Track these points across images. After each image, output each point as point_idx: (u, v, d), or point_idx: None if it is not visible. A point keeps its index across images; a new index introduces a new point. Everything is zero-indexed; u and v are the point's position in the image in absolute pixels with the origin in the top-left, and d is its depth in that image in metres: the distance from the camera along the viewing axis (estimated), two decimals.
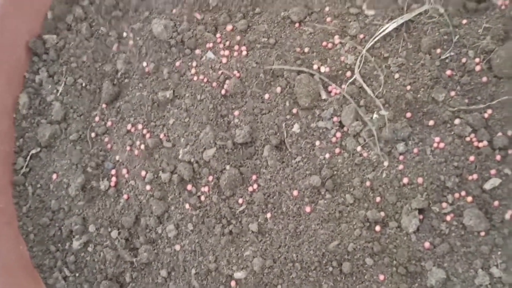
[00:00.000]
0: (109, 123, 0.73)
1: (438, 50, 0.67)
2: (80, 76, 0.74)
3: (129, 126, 0.71)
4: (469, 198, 0.62)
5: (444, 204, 0.62)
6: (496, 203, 0.62)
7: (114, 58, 0.75)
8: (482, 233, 0.61)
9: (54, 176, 0.70)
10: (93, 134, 0.72)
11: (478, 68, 0.66)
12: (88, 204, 0.69)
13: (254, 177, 0.67)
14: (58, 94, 0.74)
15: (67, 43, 0.75)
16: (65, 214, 0.69)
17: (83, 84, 0.74)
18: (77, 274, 0.67)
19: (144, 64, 0.73)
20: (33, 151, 0.72)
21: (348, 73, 0.70)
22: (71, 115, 0.73)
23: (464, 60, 0.66)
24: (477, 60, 0.66)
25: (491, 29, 0.66)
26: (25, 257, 0.66)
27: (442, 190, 0.63)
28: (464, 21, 0.68)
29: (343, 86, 0.69)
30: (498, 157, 0.63)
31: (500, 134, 0.64)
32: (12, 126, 0.73)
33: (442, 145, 0.64)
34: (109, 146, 0.72)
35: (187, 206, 0.67)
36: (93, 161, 0.70)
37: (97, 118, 0.73)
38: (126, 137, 0.71)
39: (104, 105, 0.73)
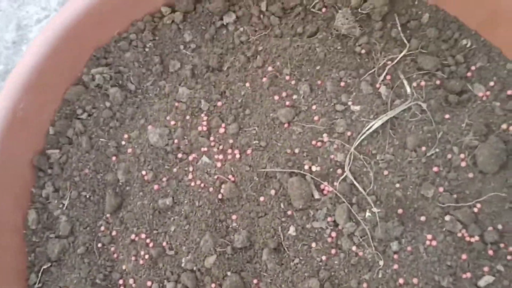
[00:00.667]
0: (114, 233, 0.76)
1: (424, 148, 0.69)
2: (83, 189, 0.78)
3: (133, 236, 0.75)
4: None
5: None
6: None
7: (115, 167, 0.78)
8: None
9: None
10: (99, 245, 0.75)
11: (463, 164, 0.68)
12: None
13: (255, 281, 0.70)
14: (64, 208, 0.77)
15: (69, 157, 0.79)
16: None
17: (87, 196, 0.77)
18: None
19: (143, 172, 0.77)
20: (44, 266, 0.75)
21: (339, 171, 0.72)
22: (77, 228, 0.76)
23: (449, 156, 0.68)
24: (462, 156, 0.68)
25: (473, 124, 0.69)
26: None
27: None
28: (447, 116, 0.70)
29: (335, 183, 0.72)
30: (490, 252, 0.65)
31: (490, 228, 0.65)
32: (23, 242, 0.76)
33: (434, 243, 0.66)
34: (115, 255, 0.75)
35: None
36: (101, 273, 0.73)
37: (102, 228, 0.76)
38: (131, 246, 0.74)
39: (108, 215, 0.77)
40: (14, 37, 1.29)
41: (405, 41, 0.76)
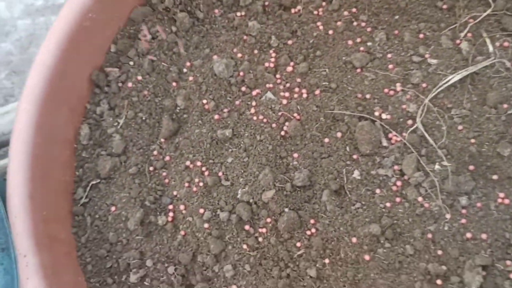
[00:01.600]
0: (167, 158, 0.73)
1: (505, 105, 0.67)
2: (140, 110, 0.75)
3: (187, 163, 0.72)
4: None
5: (508, 262, 0.62)
6: None
7: (175, 93, 0.76)
8: None
9: (113, 208, 0.71)
10: (151, 168, 0.73)
11: None
12: (146, 239, 0.69)
13: (312, 221, 0.67)
14: (119, 127, 0.75)
15: (129, 77, 0.76)
16: (123, 247, 0.69)
17: (143, 118, 0.75)
18: None
19: (204, 101, 0.74)
20: (93, 182, 0.72)
21: (410, 121, 0.70)
22: (130, 149, 0.74)
23: None
24: None
25: None
26: None
27: (507, 247, 0.62)
28: None
29: (404, 134, 0.69)
30: None
31: None
32: (73, 156, 0.74)
33: (507, 201, 0.64)
34: (166, 181, 0.72)
35: (245, 246, 0.67)
36: (151, 195, 0.71)
37: (155, 152, 0.74)
38: (185, 173, 0.72)
39: (163, 140, 0.74)
40: None
41: (490, 0, 0.73)
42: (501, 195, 0.64)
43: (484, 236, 0.63)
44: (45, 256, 0.63)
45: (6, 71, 1.15)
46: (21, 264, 0.61)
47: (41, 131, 0.69)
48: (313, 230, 0.67)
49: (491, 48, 0.71)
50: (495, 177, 0.65)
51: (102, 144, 0.75)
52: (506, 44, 0.71)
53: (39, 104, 0.71)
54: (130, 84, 0.76)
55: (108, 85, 0.77)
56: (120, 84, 0.76)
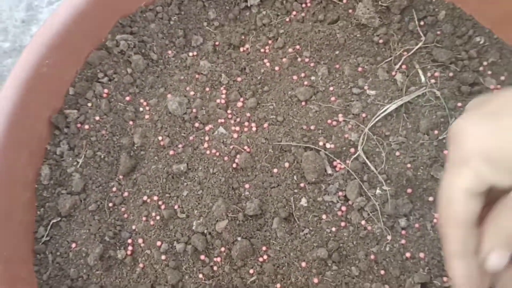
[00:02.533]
0: (125, 194, 0.77)
1: (436, 131, 0.73)
2: (99, 149, 0.79)
3: (145, 197, 0.75)
4: None
5: (445, 278, 0.66)
6: None
7: (132, 131, 0.80)
8: None
9: (74, 245, 0.74)
10: (110, 204, 0.76)
11: None
12: (106, 273, 0.72)
13: (264, 248, 0.71)
14: (78, 166, 0.78)
15: (87, 118, 0.80)
16: (84, 283, 0.72)
17: (102, 156, 0.78)
18: None
19: (160, 138, 0.78)
20: (54, 221, 0.75)
21: (352, 149, 0.75)
22: (90, 186, 0.77)
23: None
24: None
25: None
26: None
27: (443, 265, 0.67)
28: (459, 104, 0.74)
29: (347, 161, 0.74)
30: None
31: None
32: (34, 196, 0.76)
33: None
34: (125, 216, 0.76)
35: (200, 275, 0.71)
36: (110, 231, 0.74)
37: (114, 189, 0.77)
38: (142, 207, 0.75)
39: (121, 176, 0.77)
40: (24, 17, 1.30)
41: (422, 34, 0.79)
42: (436, 215, 0.69)
43: (422, 255, 0.67)
44: None
45: None
46: None
47: (2, 174, 0.72)
48: (265, 257, 0.71)
49: (423, 79, 0.77)
50: (430, 198, 0.70)
51: (63, 183, 0.77)
52: (436, 74, 0.77)
53: (0, 144, 0.73)
54: (88, 125, 0.79)
55: (67, 126, 0.80)
56: (79, 125, 0.80)
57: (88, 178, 0.78)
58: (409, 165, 0.72)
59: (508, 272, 0.44)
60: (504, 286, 0.45)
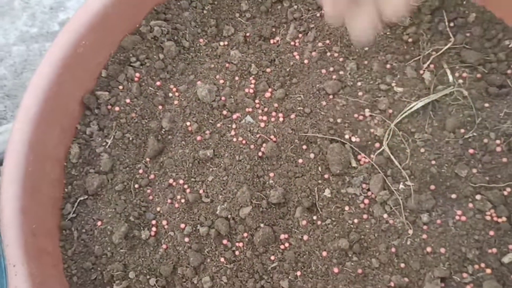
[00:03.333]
0: (152, 176, 0.78)
1: (462, 130, 0.73)
2: (128, 131, 0.80)
3: (171, 181, 0.77)
4: (488, 270, 0.67)
5: (464, 274, 0.67)
6: None
7: (160, 115, 0.81)
8: None
9: (99, 223, 0.75)
10: (136, 186, 0.78)
11: (498, 149, 0.72)
12: (130, 252, 0.74)
13: (286, 236, 0.72)
14: (107, 146, 0.79)
15: (118, 100, 0.82)
16: (107, 260, 0.73)
17: (130, 138, 0.80)
18: None
19: (188, 123, 0.80)
20: (81, 198, 0.77)
21: (377, 144, 0.76)
22: (117, 167, 0.79)
23: (485, 140, 0.72)
24: (498, 141, 0.72)
25: (511, 114, 0.73)
26: None
27: (463, 261, 0.68)
28: (487, 105, 0.75)
29: (372, 156, 0.75)
30: None
31: None
32: (63, 173, 0.78)
33: (464, 218, 0.69)
34: (150, 197, 0.77)
35: (222, 259, 0.72)
36: (135, 211, 0.76)
37: (141, 171, 0.79)
38: (168, 190, 0.77)
39: (148, 159, 0.79)
40: (52, 3, 1.33)
41: (451, 35, 0.80)
42: (459, 212, 0.70)
43: (443, 250, 0.68)
44: (33, 267, 0.67)
45: (0, 95, 1.20)
46: (10, 273, 0.65)
47: (34, 149, 0.74)
48: (287, 245, 0.72)
49: (451, 78, 0.77)
50: (453, 196, 0.71)
51: (91, 162, 0.79)
52: (464, 75, 0.77)
53: (32, 124, 0.75)
54: (118, 107, 0.81)
55: (98, 107, 0.82)
56: (109, 107, 0.82)
57: (116, 158, 0.79)
58: (433, 162, 0.72)
59: None
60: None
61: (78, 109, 0.82)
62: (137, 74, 0.83)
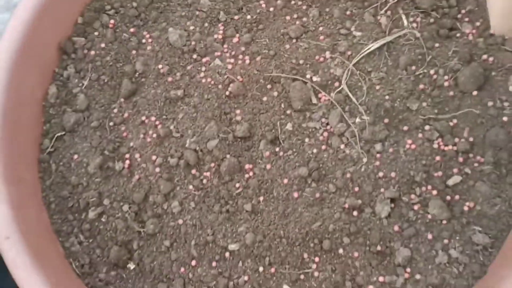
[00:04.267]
0: (126, 115, 0.83)
1: (413, 67, 0.79)
2: (103, 74, 0.85)
3: (143, 118, 0.82)
4: (434, 192, 0.73)
5: (412, 196, 0.73)
6: (457, 197, 0.72)
7: (134, 60, 0.86)
8: (444, 221, 0.71)
9: (76, 156, 0.80)
10: (111, 123, 0.82)
11: (446, 84, 0.77)
12: (104, 181, 0.78)
13: (250, 166, 0.78)
14: (83, 87, 0.84)
15: (94, 45, 0.86)
16: (83, 189, 0.78)
17: (105, 80, 0.85)
18: (90, 240, 0.76)
19: (160, 66, 0.84)
20: (58, 134, 0.81)
21: (336, 84, 0.81)
22: (93, 106, 0.83)
23: (435, 76, 0.78)
24: (446, 77, 0.78)
25: (459, 52, 0.78)
26: (46, 223, 0.75)
27: (412, 183, 0.73)
28: (437, 44, 0.80)
29: (331, 94, 0.80)
30: (460, 159, 0.74)
31: (463, 140, 0.75)
32: (41, 113, 0.83)
33: (413, 146, 0.75)
34: (124, 134, 0.82)
35: (190, 187, 0.77)
36: (110, 146, 0.80)
37: (115, 110, 0.83)
38: (140, 127, 0.82)
39: (122, 99, 0.84)
40: None
41: None
42: (409, 141, 0.75)
43: (393, 174, 0.74)
44: (13, 191, 0.72)
45: None
46: None
47: (13, 90, 0.78)
48: (251, 174, 0.77)
49: (405, 23, 0.83)
50: (405, 128, 0.77)
51: (68, 102, 0.84)
52: (418, 19, 0.83)
53: (11, 67, 0.80)
54: (94, 51, 0.86)
55: (74, 52, 0.86)
56: (85, 51, 0.86)
57: (92, 98, 0.84)
58: (387, 97, 0.78)
59: None
60: None
61: (56, 54, 0.86)
62: (112, 21, 0.88)
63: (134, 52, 0.86)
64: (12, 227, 0.67)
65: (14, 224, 0.67)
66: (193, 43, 0.86)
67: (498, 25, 0.79)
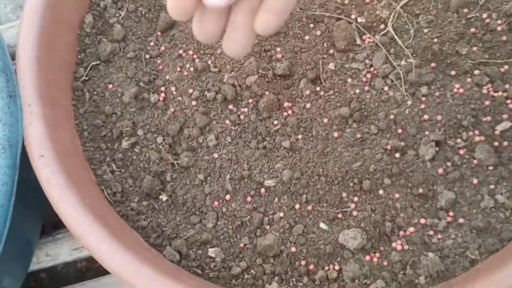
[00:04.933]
0: (162, 48, 0.81)
1: (465, 10, 0.76)
2: (141, 5, 0.83)
3: (180, 51, 0.80)
4: (482, 137, 0.70)
5: (458, 140, 0.70)
6: (505, 143, 0.69)
7: None
8: (491, 167, 0.68)
9: (110, 86, 0.78)
10: (147, 56, 0.80)
11: (499, 28, 0.74)
12: (139, 112, 0.77)
13: (289, 104, 0.75)
14: (120, 18, 0.82)
15: None
16: (117, 118, 0.76)
17: (143, 12, 0.82)
18: (123, 170, 0.74)
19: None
20: (93, 63, 0.79)
21: (382, 26, 0.78)
22: (129, 37, 0.81)
23: (487, 20, 0.75)
24: (499, 21, 0.74)
25: None
26: (79, 150, 0.73)
27: (458, 127, 0.71)
28: None
29: (376, 36, 0.77)
30: (511, 106, 0.71)
31: None
32: (76, 41, 0.81)
33: (461, 90, 0.72)
34: (160, 67, 0.80)
35: (227, 122, 0.75)
36: (145, 77, 0.78)
37: (152, 43, 0.81)
38: (177, 60, 0.79)
39: (159, 33, 0.82)
40: None
41: None
42: (457, 86, 0.72)
43: (439, 117, 0.71)
44: (48, 111, 0.70)
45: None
46: (26, 111, 0.68)
47: (50, 11, 0.76)
48: (290, 112, 0.75)
49: None
50: (453, 72, 0.74)
51: (104, 32, 0.82)
52: None
53: None
54: None
55: None
56: None
57: (129, 29, 0.82)
58: (435, 40, 0.75)
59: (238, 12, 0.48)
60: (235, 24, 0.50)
61: None
62: None
63: None
64: (46, 145, 0.66)
65: (49, 142, 0.66)
66: None
67: None
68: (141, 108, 0.77)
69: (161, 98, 0.77)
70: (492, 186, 0.67)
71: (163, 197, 0.73)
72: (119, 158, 0.74)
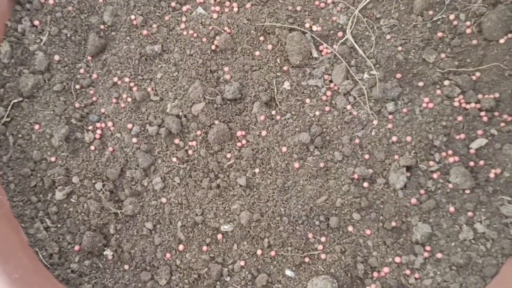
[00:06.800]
0: (94, 76, 0.71)
1: (430, 12, 0.68)
2: (65, 27, 0.72)
3: (115, 79, 0.70)
4: (456, 157, 0.63)
5: (431, 162, 0.63)
6: (481, 162, 0.63)
7: (101, 10, 0.73)
8: (467, 191, 0.62)
9: (37, 126, 0.68)
10: (77, 86, 0.70)
11: (468, 30, 0.67)
12: (72, 156, 0.67)
13: (243, 132, 0.67)
14: (42, 44, 0.71)
15: None
16: (48, 165, 0.67)
17: (68, 35, 0.72)
18: (59, 225, 0.65)
19: (132, 17, 0.72)
20: (15, 101, 0.69)
21: (340, 33, 0.70)
22: (54, 66, 0.71)
23: (455, 22, 0.67)
24: (468, 23, 0.67)
25: None
26: (6, 207, 0.64)
27: (430, 148, 0.64)
28: None
29: (334, 46, 0.69)
30: (485, 119, 0.64)
31: (487, 96, 0.64)
32: None
33: (431, 105, 0.65)
34: (94, 98, 0.70)
35: (174, 159, 0.66)
36: (77, 113, 0.69)
37: (82, 70, 0.71)
38: (112, 89, 0.70)
39: (89, 57, 0.71)
40: None
41: None
42: (426, 99, 0.65)
43: (409, 138, 0.64)
44: None
45: None
46: None
47: None
48: (244, 142, 0.67)
49: None
50: (420, 83, 0.66)
51: (24, 62, 0.71)
52: None
53: None
54: (52, 1, 0.72)
55: (29, 1, 0.73)
56: (42, 0, 0.73)
57: (53, 57, 0.71)
58: (400, 48, 0.67)
59: None
60: None
61: (7, 4, 0.72)
62: None
63: (101, 0, 0.73)
64: None
65: None
66: None
67: None
68: (74, 151, 0.67)
69: (97, 137, 0.68)
70: (470, 214, 0.61)
71: (108, 254, 0.64)
72: (54, 211, 0.65)
